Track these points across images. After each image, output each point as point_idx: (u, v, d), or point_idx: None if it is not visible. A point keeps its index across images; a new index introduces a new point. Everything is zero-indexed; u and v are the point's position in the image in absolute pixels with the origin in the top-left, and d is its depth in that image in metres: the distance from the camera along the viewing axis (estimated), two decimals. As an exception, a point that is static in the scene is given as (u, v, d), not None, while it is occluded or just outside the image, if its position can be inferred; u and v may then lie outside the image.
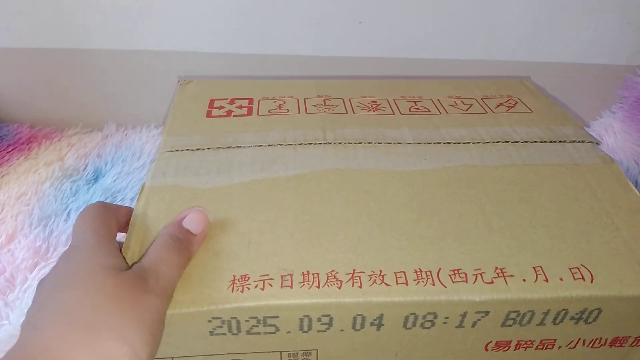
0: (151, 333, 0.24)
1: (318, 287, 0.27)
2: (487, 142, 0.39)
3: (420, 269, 0.28)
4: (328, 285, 0.27)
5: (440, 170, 0.36)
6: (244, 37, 0.53)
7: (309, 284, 0.27)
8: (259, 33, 0.52)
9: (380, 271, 0.28)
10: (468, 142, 0.39)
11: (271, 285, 0.27)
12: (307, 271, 0.28)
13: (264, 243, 0.30)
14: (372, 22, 0.50)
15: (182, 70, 0.56)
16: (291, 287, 0.27)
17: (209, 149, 0.38)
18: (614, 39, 0.48)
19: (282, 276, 0.28)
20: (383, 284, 0.27)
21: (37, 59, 0.56)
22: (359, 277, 0.28)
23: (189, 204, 0.32)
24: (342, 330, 0.29)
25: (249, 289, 0.27)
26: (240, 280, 0.27)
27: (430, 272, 0.28)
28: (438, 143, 0.39)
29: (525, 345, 0.31)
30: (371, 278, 0.28)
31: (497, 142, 0.39)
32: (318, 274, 0.28)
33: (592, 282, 0.28)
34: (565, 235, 0.31)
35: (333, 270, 0.28)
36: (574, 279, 0.28)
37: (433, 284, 0.28)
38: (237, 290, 0.27)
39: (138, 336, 0.23)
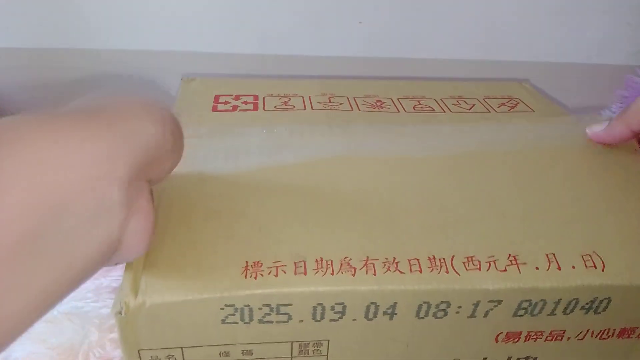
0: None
1: (332, 274, 0.27)
2: (493, 132, 0.40)
3: (433, 256, 0.28)
4: (342, 272, 0.27)
5: (447, 158, 0.36)
6: (243, 37, 0.53)
7: (322, 271, 0.27)
8: (258, 33, 0.52)
9: (394, 258, 0.28)
10: (475, 134, 0.39)
11: (285, 272, 0.27)
12: (321, 257, 0.28)
13: (276, 229, 0.30)
14: (372, 22, 0.50)
15: (182, 70, 0.56)
16: (305, 274, 0.27)
17: (215, 137, 0.37)
18: (614, 39, 0.49)
19: (295, 263, 0.27)
20: (397, 271, 0.27)
21: (37, 59, 0.55)
22: (373, 264, 0.28)
23: (197, 190, 0.32)
24: (354, 319, 0.28)
25: (262, 275, 0.27)
26: (253, 266, 0.27)
27: (444, 259, 0.28)
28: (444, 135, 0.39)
29: (535, 337, 0.31)
30: (385, 265, 0.28)
31: (504, 132, 0.40)
32: (331, 260, 0.28)
33: (603, 270, 0.28)
34: (578, 219, 0.31)
35: (346, 257, 0.28)
36: (586, 267, 0.29)
37: (447, 272, 0.28)
38: (251, 277, 0.27)
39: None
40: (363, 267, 0.27)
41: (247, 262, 0.27)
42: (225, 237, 0.29)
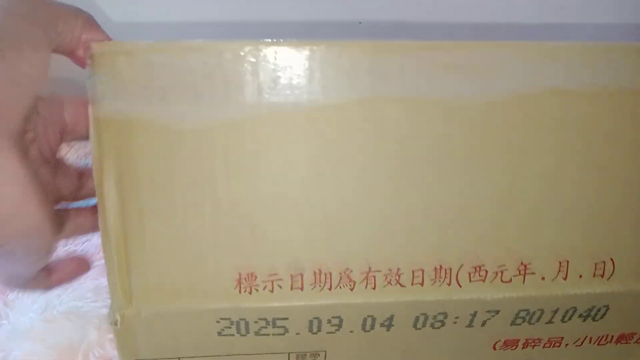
0: None
1: (330, 289, 0.26)
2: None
3: (440, 266, 0.26)
4: (340, 287, 0.26)
5: (490, 106, 0.25)
6: (240, 36, 0.53)
7: (320, 286, 0.26)
8: (256, 32, 0.51)
9: (398, 269, 0.26)
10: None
11: (280, 287, 0.25)
12: (319, 269, 0.25)
13: (270, 227, 0.25)
14: (372, 22, 0.50)
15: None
16: (301, 289, 0.25)
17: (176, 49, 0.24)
18: (614, 39, 0.48)
19: (292, 275, 0.25)
20: (398, 284, 0.26)
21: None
22: (374, 277, 0.26)
23: (165, 160, 0.24)
24: (351, 331, 0.27)
25: (257, 290, 0.25)
26: (247, 279, 0.25)
27: (450, 269, 0.26)
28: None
29: (533, 344, 0.31)
30: (386, 278, 0.26)
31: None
32: (331, 273, 0.26)
33: (609, 279, 0.27)
34: (609, 213, 0.27)
35: (347, 269, 0.26)
36: (594, 276, 0.27)
37: (449, 284, 0.26)
38: (245, 291, 0.25)
39: None
40: (363, 280, 0.26)
41: (239, 274, 0.25)
42: (214, 240, 0.25)
